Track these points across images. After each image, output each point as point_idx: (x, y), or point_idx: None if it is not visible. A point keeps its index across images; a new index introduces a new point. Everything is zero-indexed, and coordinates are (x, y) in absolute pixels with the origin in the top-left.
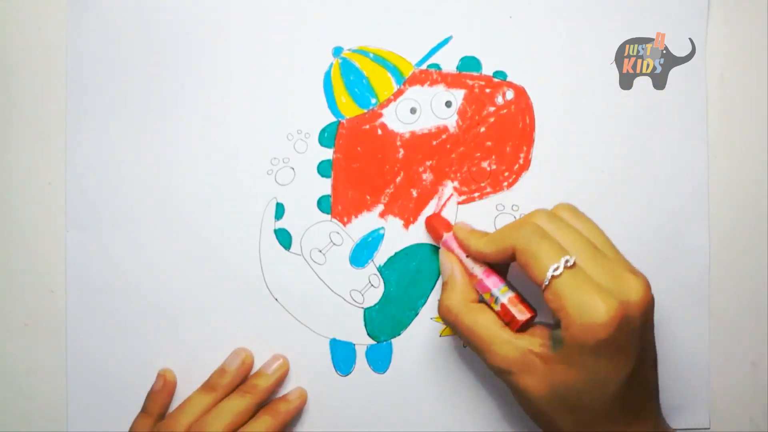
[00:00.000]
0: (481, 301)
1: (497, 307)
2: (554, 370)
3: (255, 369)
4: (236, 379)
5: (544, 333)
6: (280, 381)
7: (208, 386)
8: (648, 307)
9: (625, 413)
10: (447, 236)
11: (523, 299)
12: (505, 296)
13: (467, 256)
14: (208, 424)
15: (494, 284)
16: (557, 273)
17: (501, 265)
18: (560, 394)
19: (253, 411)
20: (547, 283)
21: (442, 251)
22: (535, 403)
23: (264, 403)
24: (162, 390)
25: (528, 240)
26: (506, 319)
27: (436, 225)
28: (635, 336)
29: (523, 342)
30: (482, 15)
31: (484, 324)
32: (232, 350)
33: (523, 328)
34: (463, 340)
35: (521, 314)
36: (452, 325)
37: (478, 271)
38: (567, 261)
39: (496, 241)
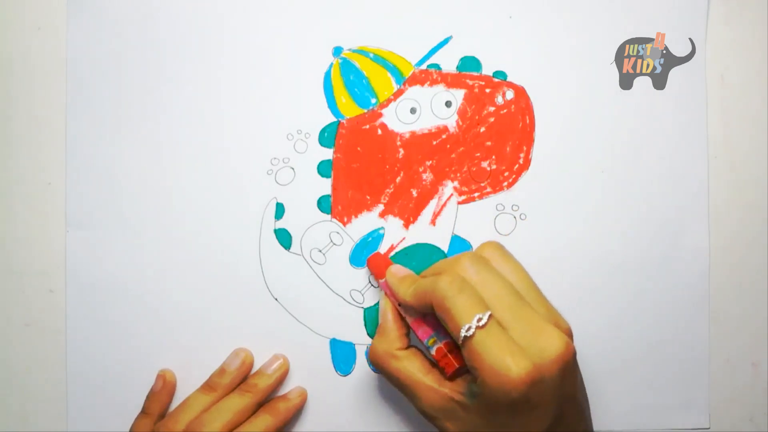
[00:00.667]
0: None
1: (432, 352)
2: (472, 420)
3: (255, 369)
4: (236, 379)
5: (465, 383)
6: (280, 381)
7: (207, 386)
8: (566, 363)
9: None
10: (381, 282)
11: (454, 346)
12: (434, 347)
13: (399, 305)
14: (207, 423)
15: (422, 335)
16: (469, 334)
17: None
18: None
19: (252, 410)
20: (460, 342)
21: (381, 293)
22: None
23: (264, 403)
24: (161, 390)
25: (444, 296)
26: (439, 364)
27: (373, 268)
28: (552, 393)
29: (445, 390)
30: (482, 15)
31: (408, 372)
32: (231, 350)
33: (456, 374)
34: (396, 385)
35: (449, 366)
36: (380, 371)
37: (409, 320)
38: (479, 319)
39: (418, 294)
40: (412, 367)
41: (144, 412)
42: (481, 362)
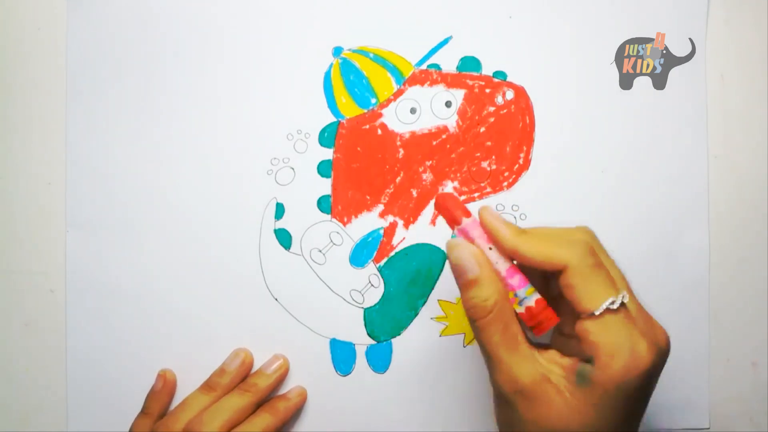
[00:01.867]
0: None
1: (521, 309)
2: (569, 405)
3: (255, 369)
4: (236, 379)
5: (566, 364)
6: (280, 381)
7: (207, 386)
8: (666, 356)
9: None
10: (468, 222)
11: (548, 304)
12: (532, 298)
13: (490, 248)
14: (206, 422)
15: (520, 284)
16: (614, 307)
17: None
18: (581, 429)
19: (251, 409)
20: (599, 313)
21: (458, 243)
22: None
23: (263, 402)
24: (162, 390)
25: (584, 262)
26: (530, 323)
27: (450, 206)
28: (655, 383)
29: (542, 366)
30: (482, 15)
31: (513, 336)
32: (231, 350)
33: (544, 334)
34: (481, 346)
35: (549, 320)
36: (480, 329)
37: (503, 267)
38: (624, 296)
39: (542, 247)
40: (516, 330)
41: (144, 411)
42: (614, 341)
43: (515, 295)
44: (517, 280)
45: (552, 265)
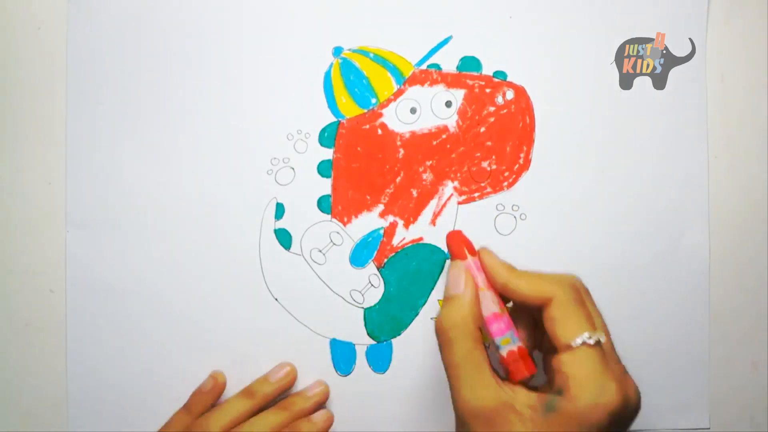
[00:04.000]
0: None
1: (502, 353)
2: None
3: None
4: (276, 391)
5: (535, 396)
6: (317, 406)
7: (248, 391)
8: (635, 413)
9: None
10: (471, 260)
11: (528, 353)
12: (514, 344)
13: (486, 289)
14: None
15: (498, 331)
16: (591, 341)
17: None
18: None
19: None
20: (575, 345)
21: (457, 263)
22: None
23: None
24: (210, 391)
25: (569, 296)
26: (508, 367)
27: (459, 243)
28: (623, 427)
29: (506, 394)
30: (482, 15)
31: (476, 359)
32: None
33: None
34: (444, 363)
35: (519, 372)
36: (443, 344)
37: (494, 307)
38: (601, 337)
39: (531, 281)
40: (481, 356)
41: (186, 407)
42: (585, 375)
43: (500, 338)
44: (495, 327)
45: (538, 297)
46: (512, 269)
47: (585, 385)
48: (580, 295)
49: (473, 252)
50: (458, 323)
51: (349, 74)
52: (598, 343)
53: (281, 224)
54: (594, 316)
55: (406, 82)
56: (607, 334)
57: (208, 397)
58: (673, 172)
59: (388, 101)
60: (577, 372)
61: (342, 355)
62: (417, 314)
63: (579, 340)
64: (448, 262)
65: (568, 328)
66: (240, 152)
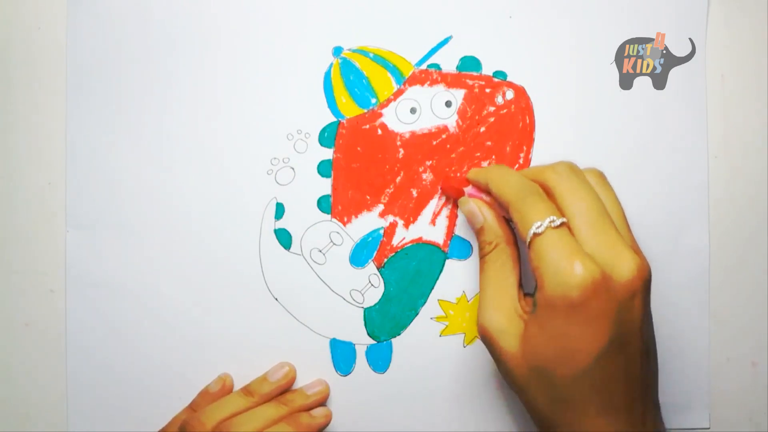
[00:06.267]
0: None
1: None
2: (529, 334)
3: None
4: (275, 391)
5: (530, 300)
6: (317, 405)
7: (246, 390)
8: (637, 289)
9: (606, 407)
10: (470, 188)
11: None
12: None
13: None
14: (238, 424)
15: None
16: (539, 231)
17: None
18: (533, 363)
19: None
20: (529, 239)
21: (467, 199)
22: (512, 372)
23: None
24: (216, 393)
25: (520, 198)
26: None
27: (451, 187)
28: (615, 312)
29: (518, 304)
30: (482, 15)
31: (505, 272)
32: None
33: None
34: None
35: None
36: (482, 264)
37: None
38: (552, 221)
39: (497, 189)
40: (509, 270)
41: (191, 407)
42: (545, 261)
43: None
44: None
45: (500, 203)
46: (488, 171)
47: (544, 272)
48: (536, 189)
49: (466, 182)
50: (489, 248)
51: (349, 74)
52: (553, 226)
53: (281, 224)
54: (570, 195)
55: (406, 82)
56: (589, 211)
57: (215, 399)
58: (673, 171)
59: (388, 101)
60: (537, 263)
61: (342, 355)
62: (417, 314)
63: (532, 231)
64: (448, 262)
65: (520, 227)
66: (240, 152)
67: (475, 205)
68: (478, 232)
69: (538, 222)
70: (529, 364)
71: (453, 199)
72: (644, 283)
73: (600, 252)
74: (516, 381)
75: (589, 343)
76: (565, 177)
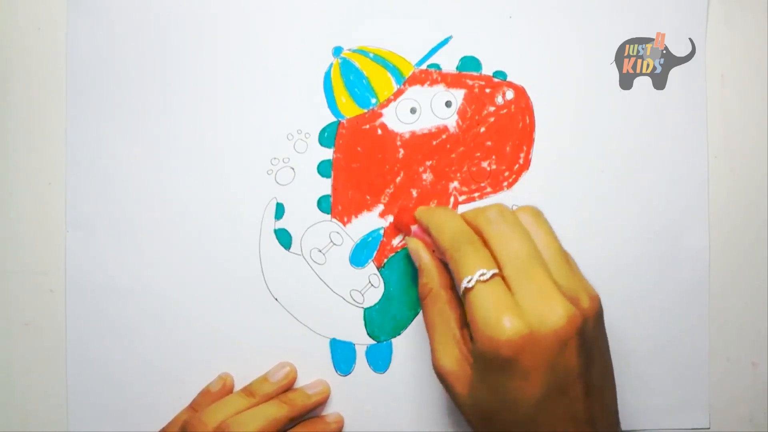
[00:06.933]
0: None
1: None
2: (473, 381)
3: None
4: (276, 391)
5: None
6: (318, 404)
7: (247, 390)
8: (569, 337)
9: None
10: (415, 228)
11: None
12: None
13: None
14: (239, 423)
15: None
16: (470, 285)
17: None
18: (481, 408)
19: (285, 423)
20: (461, 292)
21: (412, 239)
22: (466, 414)
23: (297, 420)
24: (217, 393)
25: (455, 247)
26: None
27: (402, 220)
28: (546, 363)
29: (465, 347)
30: (482, 15)
31: (447, 318)
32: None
33: None
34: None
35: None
36: (422, 307)
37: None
38: (482, 274)
39: (435, 238)
40: (444, 316)
41: (192, 406)
42: (476, 317)
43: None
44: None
45: (437, 247)
46: (431, 214)
47: (477, 327)
48: (468, 233)
49: (413, 220)
50: (426, 291)
51: (349, 74)
52: (482, 279)
53: (281, 224)
54: (501, 242)
55: (406, 82)
56: (519, 257)
57: (215, 398)
58: (673, 172)
59: (388, 101)
60: (471, 316)
61: (342, 355)
62: (417, 314)
63: (463, 285)
64: (409, 237)
65: (456, 275)
66: (240, 152)
67: (416, 246)
68: (418, 274)
69: (468, 276)
70: (478, 409)
71: (403, 234)
72: (578, 329)
73: (529, 302)
74: (470, 422)
75: (527, 393)
76: (494, 222)
